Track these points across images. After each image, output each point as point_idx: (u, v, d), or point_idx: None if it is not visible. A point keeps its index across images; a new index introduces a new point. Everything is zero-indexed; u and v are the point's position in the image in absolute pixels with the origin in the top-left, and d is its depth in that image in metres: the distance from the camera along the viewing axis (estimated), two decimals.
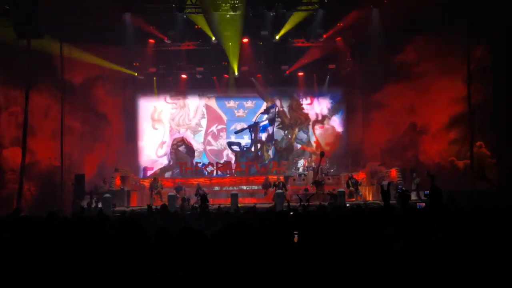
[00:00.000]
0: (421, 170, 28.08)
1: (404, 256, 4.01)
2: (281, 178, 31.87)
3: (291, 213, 13.86)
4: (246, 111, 37.41)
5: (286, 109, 37.45)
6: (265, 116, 37.17)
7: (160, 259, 5.33)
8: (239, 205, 27.18)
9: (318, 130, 37.32)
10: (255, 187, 33.82)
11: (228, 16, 31.84)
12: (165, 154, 36.96)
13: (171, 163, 36.46)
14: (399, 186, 27.06)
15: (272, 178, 32.25)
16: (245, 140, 37.20)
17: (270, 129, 37.08)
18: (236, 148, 36.43)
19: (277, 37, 33.29)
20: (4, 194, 28.44)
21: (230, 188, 32.96)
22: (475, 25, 28.91)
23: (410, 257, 3.95)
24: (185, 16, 31.91)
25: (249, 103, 37.46)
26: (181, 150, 36.85)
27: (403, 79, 32.22)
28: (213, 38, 33.14)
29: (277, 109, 37.24)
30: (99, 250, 5.15)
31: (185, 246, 5.46)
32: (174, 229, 6.56)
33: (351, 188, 30.47)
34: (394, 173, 31.17)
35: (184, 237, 5.69)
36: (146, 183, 32.56)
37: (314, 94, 36.93)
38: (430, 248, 3.49)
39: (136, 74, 34.91)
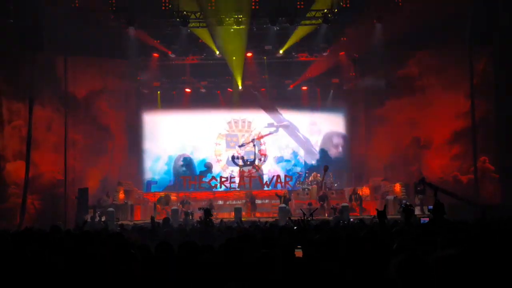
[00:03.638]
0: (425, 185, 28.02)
1: (400, 272, 4.01)
2: (285, 192, 31.79)
3: (295, 227, 13.84)
4: (250, 125, 37.30)
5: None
6: (269, 130, 37.12)
7: (160, 272, 5.32)
8: (242, 219, 27.15)
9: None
10: (259, 201, 33.71)
11: (232, 30, 31.89)
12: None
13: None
14: (403, 201, 27.02)
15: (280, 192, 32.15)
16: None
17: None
18: (239, 162, 36.33)
19: (280, 52, 33.36)
20: (7, 208, 28.43)
21: (234, 202, 32.87)
22: (478, 40, 28.98)
23: (405, 273, 3.94)
24: (189, 30, 31.98)
25: (252, 117, 37.31)
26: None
27: (406, 94, 32.20)
28: (217, 52, 33.20)
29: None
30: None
31: (186, 259, 5.46)
32: (176, 242, 6.56)
33: (353, 202, 30.51)
34: (398, 188, 31.12)
35: (185, 250, 5.69)
36: (150, 197, 32.54)
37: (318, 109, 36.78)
38: (428, 264, 3.48)
39: (140, 88, 34.94)
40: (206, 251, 6.32)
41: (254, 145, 36.16)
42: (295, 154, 37.28)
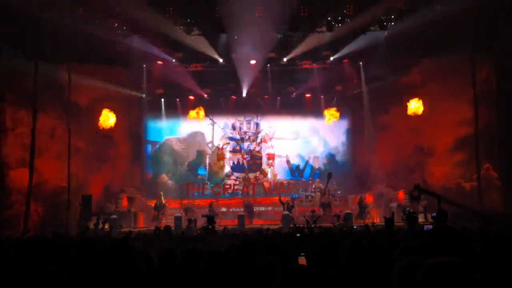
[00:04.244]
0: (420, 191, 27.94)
1: (400, 278, 4.01)
2: (288, 199, 31.79)
3: (298, 234, 13.84)
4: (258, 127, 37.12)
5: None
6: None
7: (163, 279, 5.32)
8: (246, 226, 27.15)
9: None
10: (262, 208, 33.73)
11: (236, 37, 31.96)
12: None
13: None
14: (407, 209, 27.03)
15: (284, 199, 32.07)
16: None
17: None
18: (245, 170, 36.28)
19: (284, 59, 33.38)
20: (10, 215, 28.46)
21: (237, 209, 32.84)
22: (480, 47, 29.01)
23: (406, 279, 3.95)
24: (192, 38, 32.02)
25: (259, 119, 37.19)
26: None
27: (409, 101, 32.18)
28: (221, 60, 33.26)
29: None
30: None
31: (189, 266, 5.45)
32: (180, 250, 6.55)
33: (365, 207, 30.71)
34: (401, 195, 31.10)
35: (188, 257, 5.68)
36: (152, 204, 32.51)
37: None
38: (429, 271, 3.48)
39: (143, 95, 34.95)
40: (208, 258, 6.32)
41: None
42: (302, 158, 37.12)
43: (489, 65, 30.39)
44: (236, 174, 36.50)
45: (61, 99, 30.83)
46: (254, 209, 33.20)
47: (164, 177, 35.87)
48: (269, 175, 36.37)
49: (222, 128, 36.89)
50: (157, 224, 27.74)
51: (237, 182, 35.66)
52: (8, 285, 4.65)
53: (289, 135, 36.95)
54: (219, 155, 36.68)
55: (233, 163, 36.68)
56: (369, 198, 32.39)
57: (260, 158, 36.55)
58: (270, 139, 36.79)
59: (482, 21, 28.14)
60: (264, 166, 36.44)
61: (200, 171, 36.67)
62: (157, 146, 36.66)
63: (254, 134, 36.94)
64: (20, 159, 29.41)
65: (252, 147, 36.67)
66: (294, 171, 36.69)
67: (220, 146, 36.68)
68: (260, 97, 35.86)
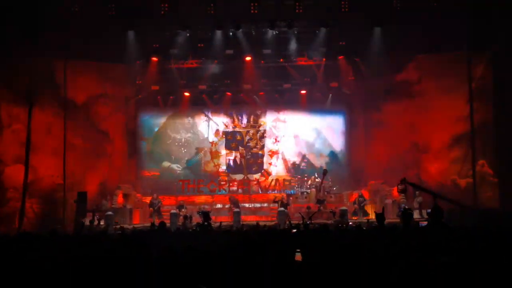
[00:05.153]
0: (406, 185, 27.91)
1: (400, 279, 4.04)
2: (284, 195, 31.78)
3: (294, 231, 13.86)
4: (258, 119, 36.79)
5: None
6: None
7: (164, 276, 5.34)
8: (241, 222, 27.17)
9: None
10: (258, 205, 33.71)
11: (231, 34, 31.98)
12: None
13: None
14: (402, 205, 27.07)
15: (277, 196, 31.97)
16: None
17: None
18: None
19: (280, 56, 33.38)
20: (6, 212, 28.45)
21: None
22: (476, 44, 29.06)
23: (405, 281, 3.97)
24: (188, 34, 32.02)
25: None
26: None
27: (404, 98, 32.25)
28: (216, 57, 33.22)
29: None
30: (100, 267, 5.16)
31: (189, 264, 5.47)
32: (176, 247, 6.57)
33: (355, 205, 30.76)
34: (396, 191, 31.16)
35: (187, 255, 5.70)
36: (148, 201, 32.49)
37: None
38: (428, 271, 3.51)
39: (139, 92, 34.83)
40: (205, 256, 6.33)
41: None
42: (299, 154, 36.91)
43: (485, 62, 30.40)
44: (232, 176, 36.04)
45: (58, 96, 30.77)
46: (249, 206, 33.28)
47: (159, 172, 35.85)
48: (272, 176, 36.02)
49: (217, 125, 36.57)
50: (153, 220, 27.81)
51: (235, 184, 35.35)
52: (7, 281, 4.67)
53: (286, 131, 36.75)
54: (213, 152, 36.36)
55: (229, 162, 36.34)
56: (364, 195, 32.44)
57: (262, 156, 36.07)
58: (276, 137, 36.53)
59: (477, 17, 28.17)
60: (266, 166, 36.14)
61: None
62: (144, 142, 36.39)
63: (255, 127, 36.69)
64: (16, 156, 29.39)
65: (252, 143, 36.47)
66: (291, 168, 36.49)
67: (214, 142, 36.40)
68: (255, 94, 35.73)
